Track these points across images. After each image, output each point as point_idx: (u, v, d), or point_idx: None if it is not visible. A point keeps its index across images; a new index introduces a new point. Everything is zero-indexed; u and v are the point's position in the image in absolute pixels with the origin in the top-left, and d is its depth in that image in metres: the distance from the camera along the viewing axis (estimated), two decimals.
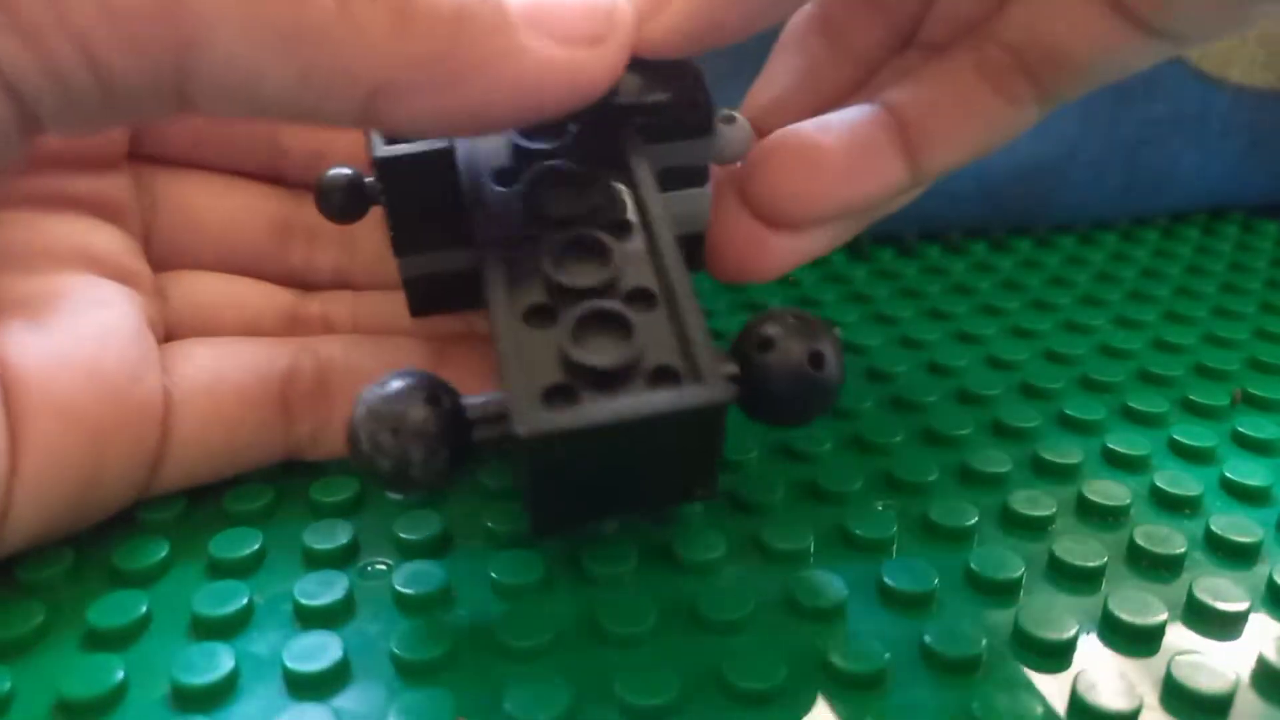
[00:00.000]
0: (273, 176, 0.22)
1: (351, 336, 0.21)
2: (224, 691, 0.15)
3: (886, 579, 0.17)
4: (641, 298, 0.16)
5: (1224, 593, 0.17)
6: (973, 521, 0.19)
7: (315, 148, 0.21)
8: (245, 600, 0.17)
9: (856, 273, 0.31)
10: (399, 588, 0.17)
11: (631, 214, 0.17)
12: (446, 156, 0.17)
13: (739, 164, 0.20)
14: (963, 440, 0.22)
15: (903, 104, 0.19)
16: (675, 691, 0.15)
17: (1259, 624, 0.17)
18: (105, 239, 0.19)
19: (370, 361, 0.20)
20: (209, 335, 0.20)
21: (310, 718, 0.15)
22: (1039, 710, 0.15)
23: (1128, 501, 0.19)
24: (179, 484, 0.19)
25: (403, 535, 0.18)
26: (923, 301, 0.29)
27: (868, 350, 0.26)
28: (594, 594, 0.17)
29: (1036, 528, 0.19)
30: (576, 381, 0.15)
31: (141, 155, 0.21)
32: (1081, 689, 0.15)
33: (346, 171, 0.19)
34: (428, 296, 0.19)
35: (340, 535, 0.18)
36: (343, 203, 0.19)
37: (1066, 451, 0.21)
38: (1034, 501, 0.19)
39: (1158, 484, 0.20)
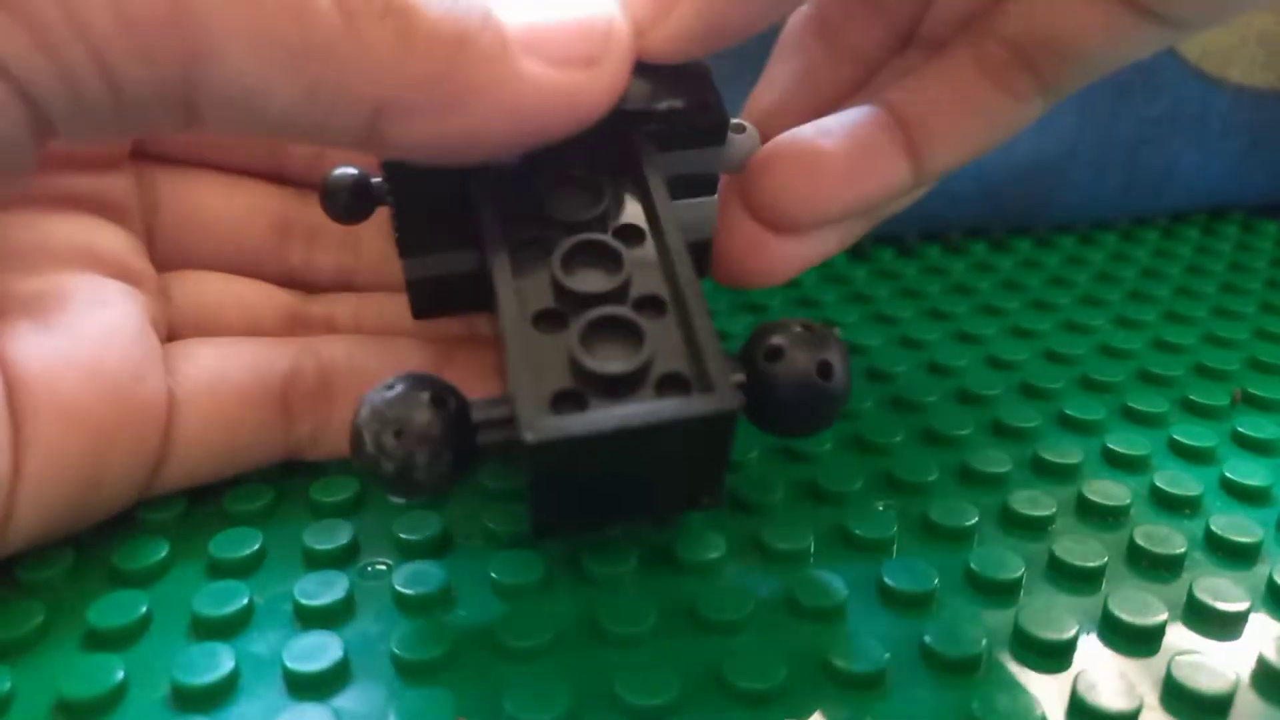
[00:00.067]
0: (275, 175, 0.22)
1: (354, 337, 0.21)
2: (224, 692, 0.15)
3: (886, 579, 0.17)
4: (651, 304, 0.16)
5: (1224, 593, 0.17)
6: (973, 521, 0.19)
7: (317, 147, 0.21)
8: (245, 600, 0.17)
9: (857, 273, 0.31)
10: (399, 588, 0.17)
11: (641, 220, 0.17)
12: None
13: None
14: (963, 440, 0.22)
15: (903, 104, 0.19)
16: (675, 691, 0.15)
17: (1259, 624, 0.17)
18: (108, 238, 0.19)
19: (373, 362, 0.20)
20: (211, 335, 0.20)
21: (310, 718, 0.15)
22: (1039, 711, 0.15)
23: (1128, 501, 0.19)
24: (180, 484, 0.19)
25: (403, 535, 0.18)
26: (923, 301, 0.29)
27: (868, 350, 0.26)
28: (594, 594, 0.17)
29: (1036, 528, 0.19)
30: (585, 388, 0.15)
31: (144, 154, 0.21)
32: (1081, 689, 0.15)
33: (352, 171, 0.19)
34: (432, 299, 0.19)
35: (340, 535, 0.18)
36: (348, 203, 0.19)
37: (1066, 451, 0.21)
38: (1034, 501, 0.19)
39: (1158, 484, 0.20)
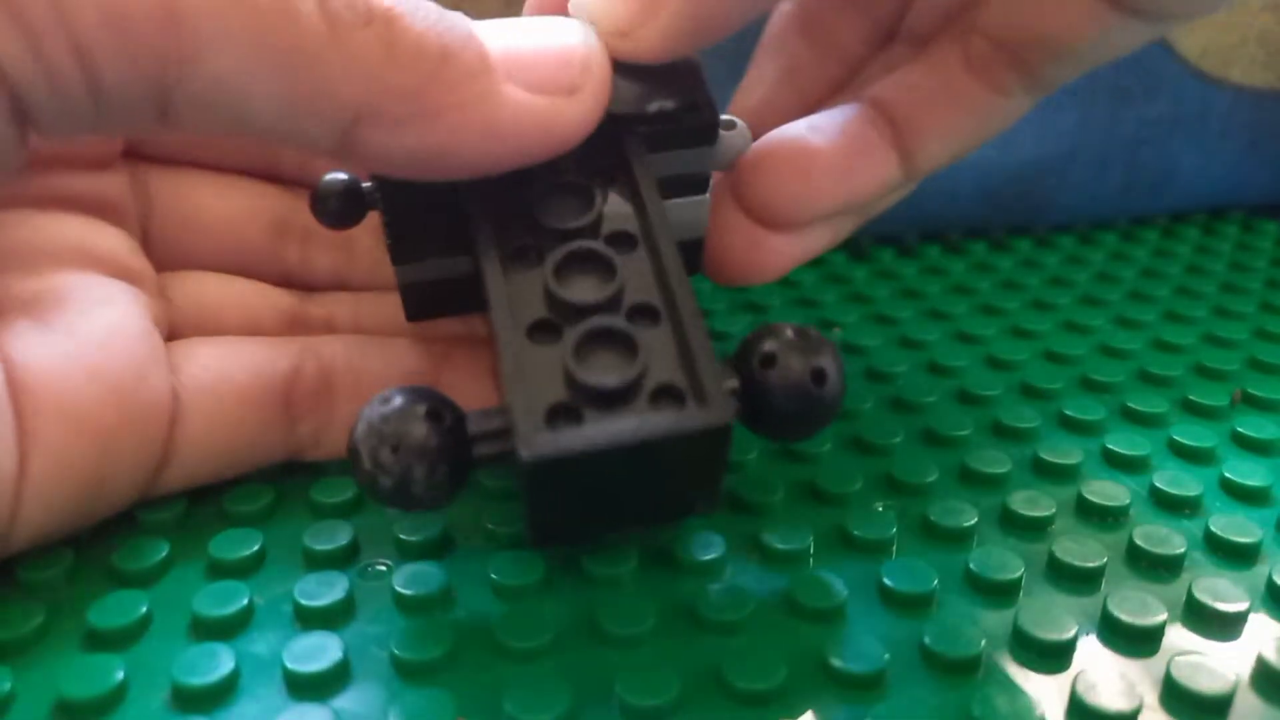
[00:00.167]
0: (269, 175, 0.22)
1: (354, 337, 0.21)
2: (224, 692, 0.15)
3: (886, 580, 0.17)
4: (645, 313, 0.16)
5: (1224, 593, 0.17)
6: (972, 522, 0.19)
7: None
8: (245, 601, 0.17)
9: (856, 273, 0.31)
10: (399, 588, 0.17)
11: (634, 226, 0.17)
12: None
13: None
14: (962, 440, 0.22)
15: (891, 100, 0.19)
16: (675, 692, 0.15)
17: (1259, 624, 0.17)
18: (106, 238, 0.19)
19: (373, 362, 0.20)
20: (212, 335, 0.20)
21: (310, 718, 0.15)
22: (1038, 711, 0.15)
23: (1127, 502, 0.19)
24: (182, 484, 0.19)
25: (403, 536, 0.18)
26: (922, 302, 0.29)
27: (868, 350, 0.26)
28: (594, 594, 0.17)
29: (1036, 528, 0.19)
30: (580, 400, 0.15)
31: (136, 155, 0.21)
32: (1081, 689, 0.15)
33: (343, 177, 0.19)
34: (425, 302, 0.19)
35: (340, 536, 0.18)
36: (339, 208, 0.19)
37: (1066, 452, 0.21)
38: (1033, 502, 0.19)
39: (1157, 484, 0.20)
